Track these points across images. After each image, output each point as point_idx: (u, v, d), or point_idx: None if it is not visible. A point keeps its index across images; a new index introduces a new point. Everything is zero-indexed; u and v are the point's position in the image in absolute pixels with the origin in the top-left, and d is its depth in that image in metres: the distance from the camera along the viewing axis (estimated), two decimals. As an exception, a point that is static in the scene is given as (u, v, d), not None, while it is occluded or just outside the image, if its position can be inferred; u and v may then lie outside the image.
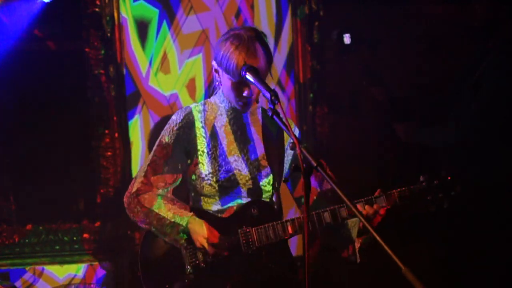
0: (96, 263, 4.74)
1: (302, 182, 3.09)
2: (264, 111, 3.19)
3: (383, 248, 2.22)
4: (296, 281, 3.12)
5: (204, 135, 3.10)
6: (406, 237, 4.59)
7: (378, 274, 4.31)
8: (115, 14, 4.71)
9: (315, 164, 2.45)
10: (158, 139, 3.14)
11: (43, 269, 4.69)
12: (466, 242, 4.13)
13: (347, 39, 4.70)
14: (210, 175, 3.07)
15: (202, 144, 3.09)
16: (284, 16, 5.05)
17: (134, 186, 3.11)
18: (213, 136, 3.11)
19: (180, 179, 3.14)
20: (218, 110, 3.14)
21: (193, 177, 3.12)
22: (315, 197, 3.12)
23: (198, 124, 3.11)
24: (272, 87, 2.82)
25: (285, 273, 3.08)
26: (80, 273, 4.72)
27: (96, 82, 4.69)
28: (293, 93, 5.09)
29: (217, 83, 3.12)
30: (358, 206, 2.93)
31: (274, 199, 3.13)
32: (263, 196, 3.11)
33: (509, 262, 4.04)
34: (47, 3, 4.44)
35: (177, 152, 3.09)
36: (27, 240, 4.68)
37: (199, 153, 3.09)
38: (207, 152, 3.08)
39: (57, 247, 4.71)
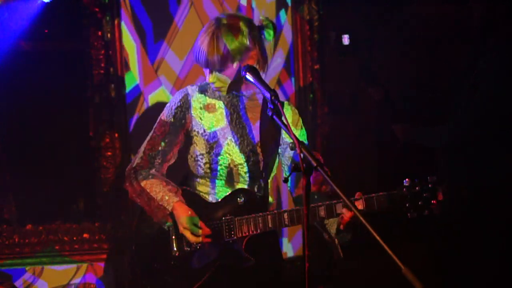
0: (96, 263, 4.74)
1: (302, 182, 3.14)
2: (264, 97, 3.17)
3: (383, 248, 2.22)
4: (275, 275, 3.15)
5: (200, 116, 3.13)
6: (406, 237, 4.59)
7: (378, 274, 4.31)
8: (115, 14, 4.71)
9: (315, 164, 2.45)
10: (159, 117, 3.19)
11: (43, 269, 4.69)
12: (466, 242, 4.14)
13: (345, 40, 4.69)
14: (201, 156, 3.10)
15: (197, 125, 3.12)
16: (284, 16, 5.05)
17: (135, 161, 3.19)
18: (208, 118, 3.13)
19: (175, 157, 3.20)
20: (217, 93, 3.15)
21: (188, 156, 3.16)
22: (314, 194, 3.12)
23: (196, 105, 3.14)
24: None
25: (265, 266, 3.09)
26: (80, 273, 4.72)
27: (96, 82, 4.69)
28: (293, 93, 5.09)
29: None
30: (337, 205, 2.90)
31: (262, 188, 3.13)
32: (252, 183, 3.13)
33: (508, 262, 4.04)
34: (47, 3, 4.44)
35: (174, 130, 3.13)
36: (27, 240, 4.68)
37: (194, 133, 3.13)
38: (201, 134, 3.11)
39: (57, 247, 4.71)
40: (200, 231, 3.02)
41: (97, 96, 4.70)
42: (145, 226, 3.18)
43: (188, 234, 3.01)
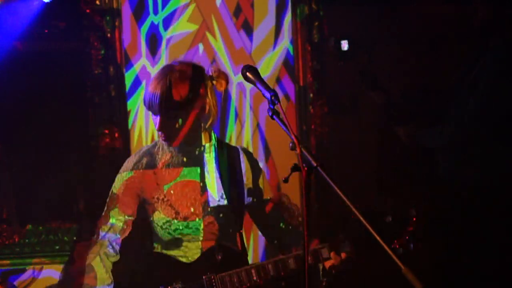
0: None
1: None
2: (219, 146, 3.06)
3: (383, 248, 2.22)
4: None
5: (156, 180, 3.00)
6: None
7: (378, 274, 4.31)
8: (115, 14, 4.71)
9: (315, 164, 2.44)
10: (111, 189, 3.06)
11: (42, 269, 4.69)
12: (465, 242, 4.14)
13: (344, 45, 4.64)
14: (168, 223, 2.97)
15: (155, 190, 2.99)
16: (283, 15, 5.05)
17: (96, 231, 3.07)
18: (166, 180, 2.99)
19: (129, 230, 3.04)
20: (169, 151, 3.02)
21: (153, 224, 3.02)
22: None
23: (149, 171, 3.00)
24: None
25: None
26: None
27: (96, 82, 4.69)
28: (292, 93, 5.08)
29: None
30: (323, 250, 2.88)
31: (237, 240, 3.04)
32: (226, 237, 3.02)
33: (508, 262, 4.04)
34: (47, 3, 4.44)
35: (126, 203, 3.00)
36: (27, 240, 4.68)
37: (153, 200, 2.99)
38: (162, 199, 2.98)
39: (57, 247, 4.70)
40: None
41: (97, 96, 4.70)
42: None
43: None
